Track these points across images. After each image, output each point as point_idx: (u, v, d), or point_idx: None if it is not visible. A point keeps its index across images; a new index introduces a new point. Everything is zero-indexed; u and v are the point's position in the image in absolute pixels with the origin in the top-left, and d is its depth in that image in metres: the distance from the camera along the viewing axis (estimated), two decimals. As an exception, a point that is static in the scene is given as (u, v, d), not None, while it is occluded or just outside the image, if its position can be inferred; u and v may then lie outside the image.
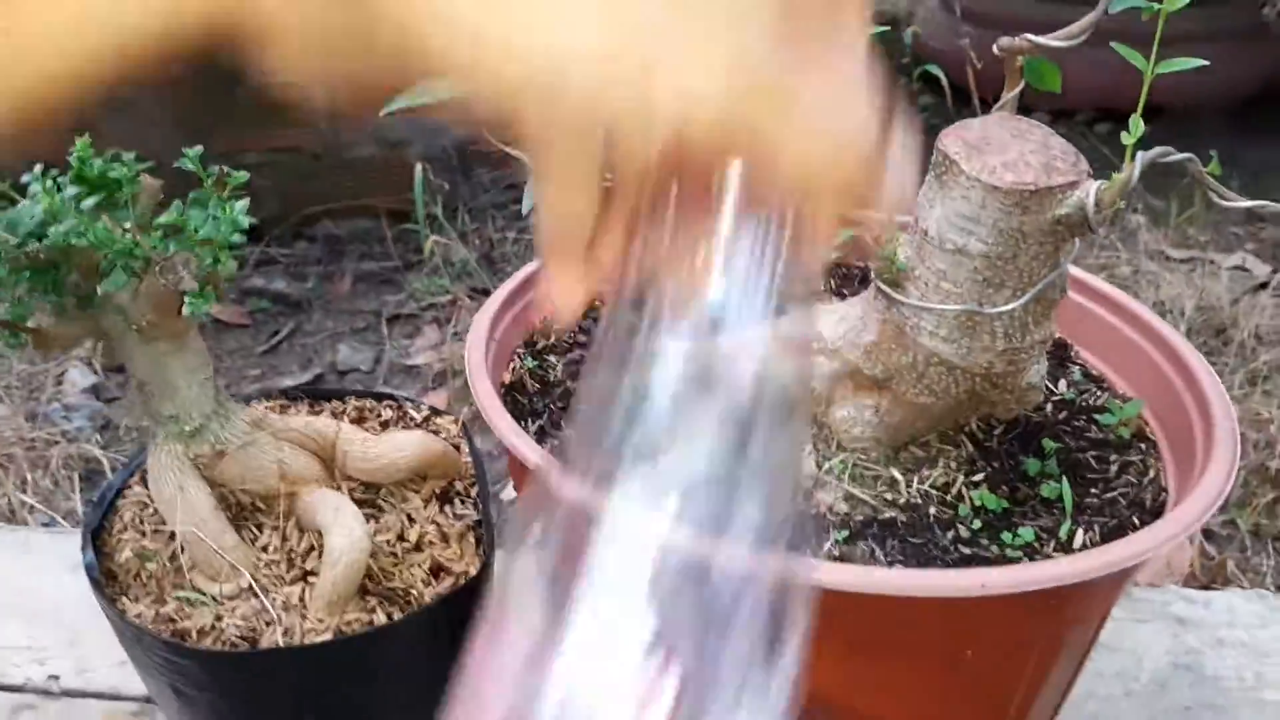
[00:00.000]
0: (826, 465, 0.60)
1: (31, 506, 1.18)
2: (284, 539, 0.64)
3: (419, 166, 1.24)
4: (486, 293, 1.51)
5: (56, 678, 0.81)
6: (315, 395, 0.74)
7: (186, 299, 0.59)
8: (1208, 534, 1.15)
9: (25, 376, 1.47)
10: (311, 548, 0.63)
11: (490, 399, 0.57)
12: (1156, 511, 0.58)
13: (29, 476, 1.22)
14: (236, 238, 0.57)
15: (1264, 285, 1.52)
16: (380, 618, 0.61)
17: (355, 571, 0.60)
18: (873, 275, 0.58)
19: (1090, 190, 0.52)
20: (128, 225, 0.59)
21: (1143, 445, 0.63)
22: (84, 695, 0.80)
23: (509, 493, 1.14)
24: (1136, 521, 0.58)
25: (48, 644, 0.83)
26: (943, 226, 0.54)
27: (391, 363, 1.45)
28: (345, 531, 0.59)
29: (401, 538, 0.65)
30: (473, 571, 0.63)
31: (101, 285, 0.59)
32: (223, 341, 1.50)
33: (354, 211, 1.64)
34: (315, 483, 0.64)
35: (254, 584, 0.61)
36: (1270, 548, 1.14)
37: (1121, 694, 0.82)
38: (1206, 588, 1.07)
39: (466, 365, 0.60)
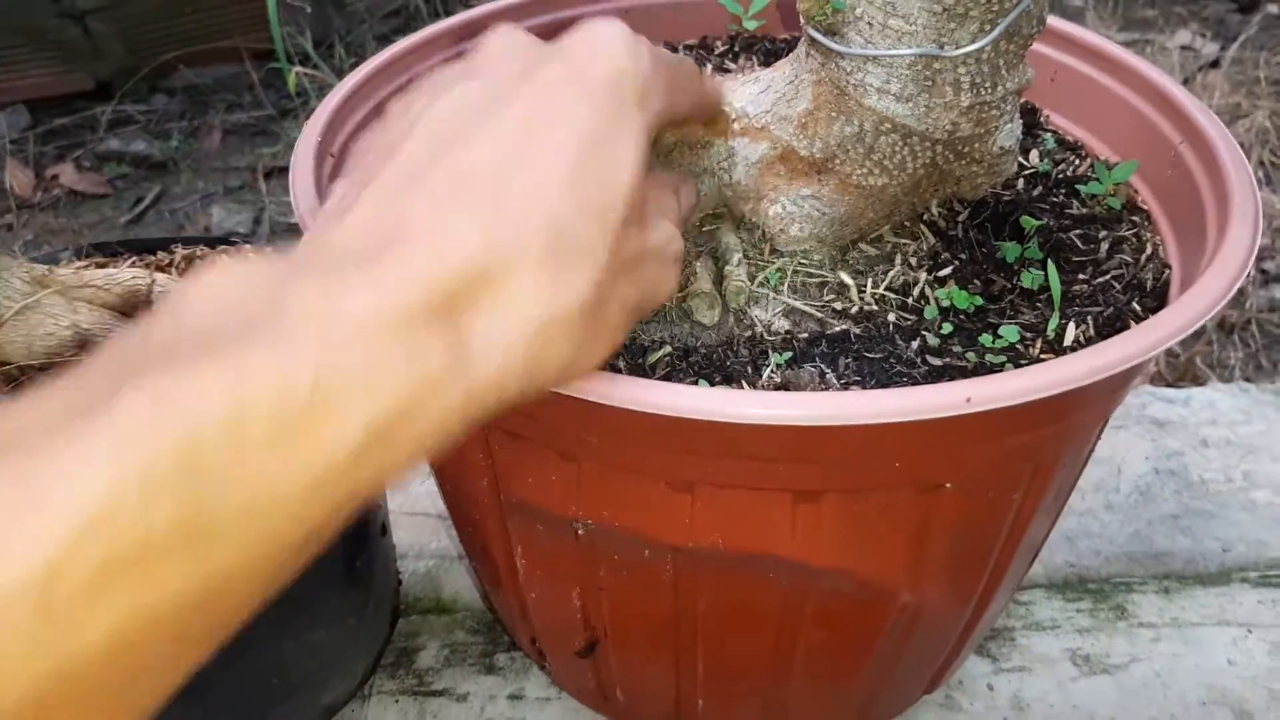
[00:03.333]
0: (761, 275, 0.48)
1: None
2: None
3: (271, -11, 1.06)
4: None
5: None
6: (141, 247, 0.61)
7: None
8: (1173, 329, 1.07)
9: None
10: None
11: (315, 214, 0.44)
12: (1160, 294, 0.48)
13: None
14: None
15: (1216, 63, 1.42)
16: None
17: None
18: (802, 21, 0.45)
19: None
20: None
21: (1135, 218, 0.53)
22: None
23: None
24: (1138, 308, 0.47)
25: None
26: (888, -58, 0.41)
27: (274, 221, 1.29)
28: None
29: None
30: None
31: None
32: (80, 214, 1.33)
33: (214, 56, 1.45)
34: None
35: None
36: (1237, 339, 1.07)
37: (1102, 507, 0.74)
38: (1173, 386, 1.00)
39: (291, 186, 0.47)
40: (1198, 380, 1.02)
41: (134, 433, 0.20)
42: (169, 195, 1.35)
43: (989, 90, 0.45)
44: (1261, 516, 0.74)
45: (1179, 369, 1.02)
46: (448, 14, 1.56)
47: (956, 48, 0.43)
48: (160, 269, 0.57)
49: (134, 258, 0.57)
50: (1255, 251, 0.42)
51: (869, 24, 0.43)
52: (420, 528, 0.74)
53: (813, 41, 0.45)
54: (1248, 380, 1.06)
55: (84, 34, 1.44)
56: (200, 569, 0.21)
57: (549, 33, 0.66)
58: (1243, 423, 0.81)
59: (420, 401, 0.24)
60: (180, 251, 0.59)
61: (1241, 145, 1.28)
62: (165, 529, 0.20)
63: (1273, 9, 1.71)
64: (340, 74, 1.39)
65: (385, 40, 1.54)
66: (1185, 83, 1.37)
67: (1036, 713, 0.62)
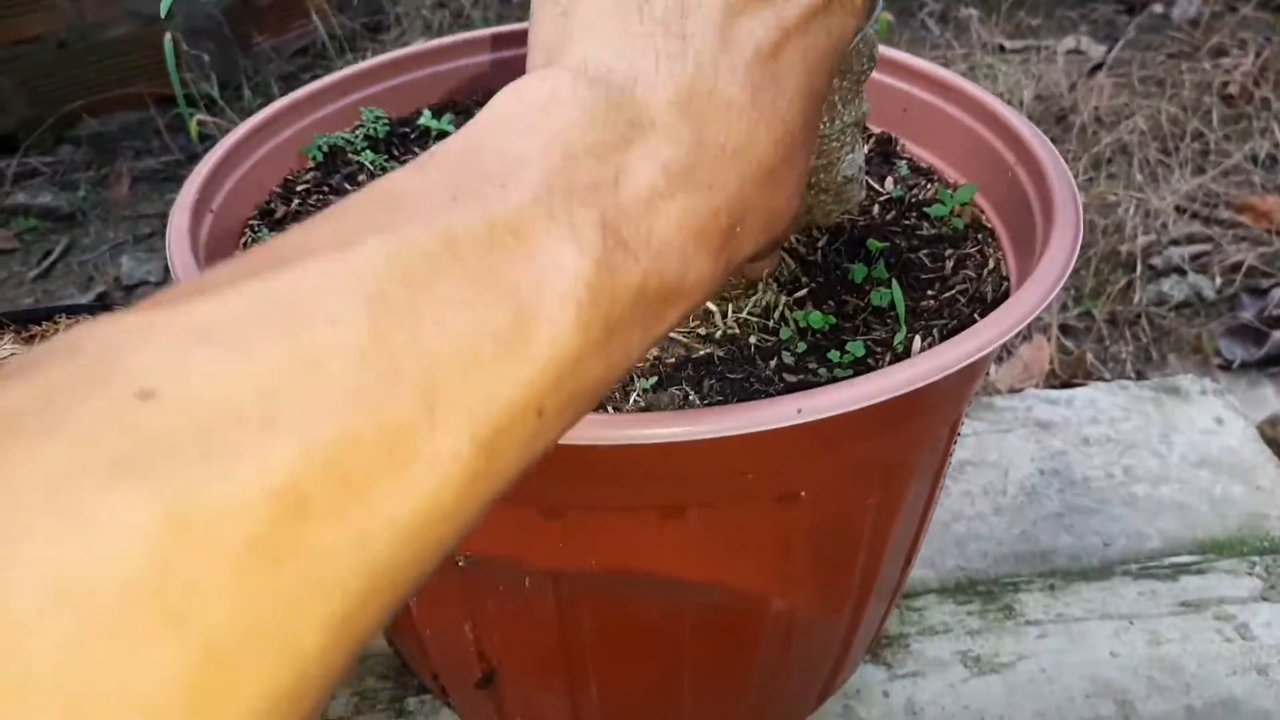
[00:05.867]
0: (625, 305, 0.50)
1: None
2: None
3: (167, 38, 1.07)
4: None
5: None
6: (26, 318, 0.61)
7: None
8: (1065, 328, 1.11)
9: None
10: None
11: (190, 273, 0.45)
12: (1000, 304, 0.51)
13: None
14: None
15: (1100, 66, 1.48)
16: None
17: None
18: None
19: (885, -77, 0.42)
20: None
21: (979, 235, 0.56)
22: None
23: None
24: (979, 319, 0.50)
25: None
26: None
27: (186, 268, 1.29)
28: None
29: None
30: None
31: None
32: (-13, 270, 1.32)
33: (119, 103, 1.44)
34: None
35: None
36: (1127, 333, 1.12)
37: (990, 510, 0.77)
38: (1067, 384, 1.04)
39: (167, 236, 0.49)
40: (1091, 375, 1.06)
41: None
42: (78, 247, 1.35)
43: (827, 124, 0.48)
44: (1141, 509, 0.78)
45: (1071, 366, 1.06)
46: (354, 51, 1.57)
47: (790, 86, 0.46)
48: (45, 339, 0.57)
49: (18, 329, 0.58)
50: (1072, 264, 0.45)
51: (707, 67, 0.46)
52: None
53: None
54: (1139, 374, 1.11)
55: (-14, 87, 1.44)
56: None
57: (457, 80, 0.67)
58: (1122, 419, 0.84)
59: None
60: (64, 322, 0.59)
61: (1124, 147, 1.33)
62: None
63: (1158, 8, 1.78)
64: (248, 114, 1.39)
65: (290, 79, 1.54)
66: (1072, 87, 1.42)
67: (930, 716, 0.65)
